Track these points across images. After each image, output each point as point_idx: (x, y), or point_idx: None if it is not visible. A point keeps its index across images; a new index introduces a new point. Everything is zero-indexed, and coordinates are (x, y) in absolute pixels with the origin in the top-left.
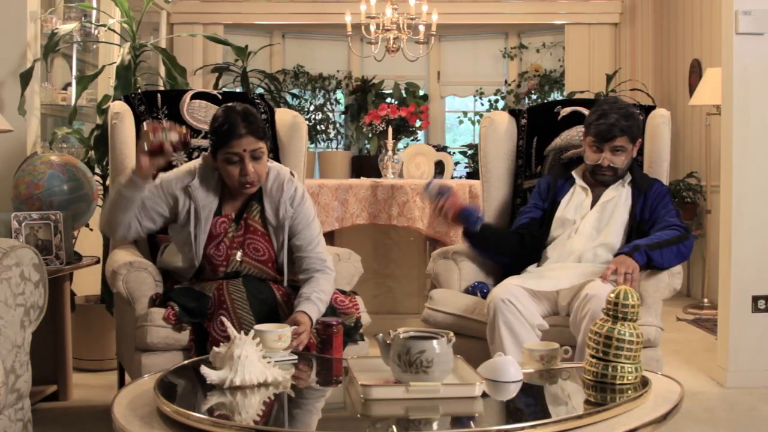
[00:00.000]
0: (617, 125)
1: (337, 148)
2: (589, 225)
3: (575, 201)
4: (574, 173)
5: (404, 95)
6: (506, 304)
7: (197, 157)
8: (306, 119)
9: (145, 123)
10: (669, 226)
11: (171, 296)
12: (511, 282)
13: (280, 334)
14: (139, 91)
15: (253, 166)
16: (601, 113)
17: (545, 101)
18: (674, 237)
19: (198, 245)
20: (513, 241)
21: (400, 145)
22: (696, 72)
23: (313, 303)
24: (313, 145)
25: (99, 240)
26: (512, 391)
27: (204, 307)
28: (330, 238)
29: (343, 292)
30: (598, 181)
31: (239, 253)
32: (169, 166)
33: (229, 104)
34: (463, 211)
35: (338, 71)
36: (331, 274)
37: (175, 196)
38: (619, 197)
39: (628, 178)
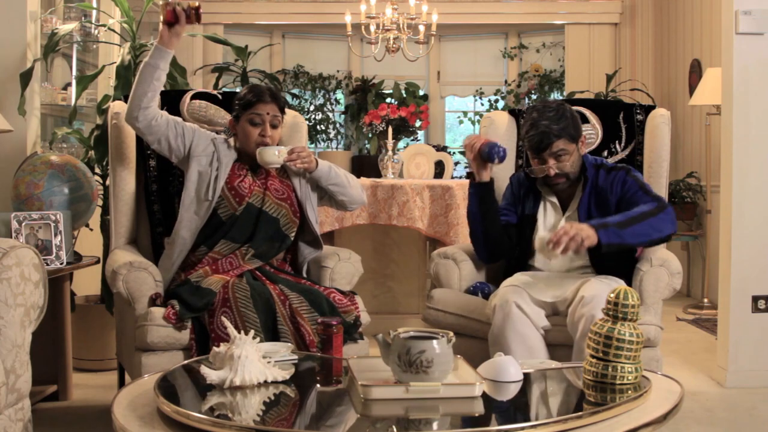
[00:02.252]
0: (548, 131)
1: (337, 148)
2: None
3: (549, 221)
4: (539, 187)
5: (404, 95)
6: (513, 308)
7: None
8: (306, 119)
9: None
10: (643, 200)
11: (178, 292)
12: (514, 284)
13: (279, 149)
14: None
15: (271, 131)
16: (531, 123)
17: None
18: (648, 211)
19: (218, 183)
20: (501, 231)
21: (400, 145)
22: (696, 72)
23: (327, 164)
24: (313, 145)
25: (99, 240)
26: (512, 391)
27: (208, 303)
28: (330, 238)
29: (342, 292)
30: (555, 190)
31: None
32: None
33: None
34: (488, 144)
35: (338, 71)
36: (359, 184)
37: (200, 138)
38: (581, 207)
39: (584, 182)
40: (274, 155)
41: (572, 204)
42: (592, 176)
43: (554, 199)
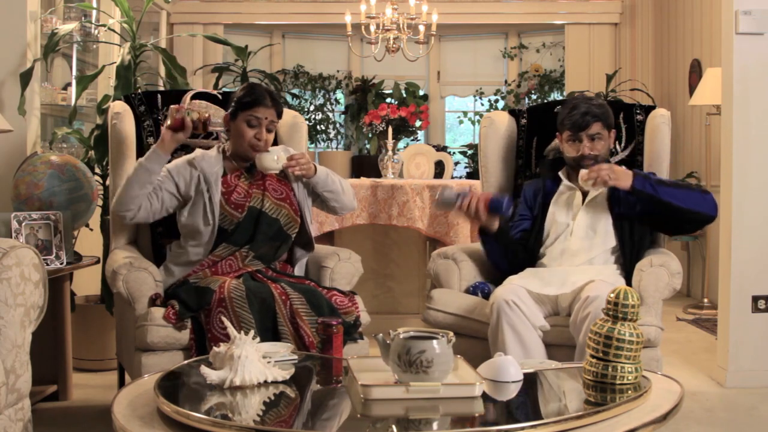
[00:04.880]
0: (590, 113)
1: (337, 148)
2: (584, 224)
3: (566, 202)
4: (561, 174)
5: (404, 95)
6: (510, 305)
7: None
8: (306, 119)
9: (171, 106)
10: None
11: (176, 292)
12: (514, 283)
13: (277, 155)
14: (139, 91)
15: (267, 135)
16: (572, 107)
17: (545, 101)
18: (691, 185)
19: (214, 205)
20: (519, 249)
21: (400, 145)
22: (696, 72)
23: (325, 170)
24: (313, 145)
25: (99, 240)
26: (512, 391)
27: (206, 302)
28: (330, 238)
29: (342, 293)
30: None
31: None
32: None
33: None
34: (493, 200)
35: (338, 71)
36: (352, 191)
37: (182, 174)
38: (605, 192)
39: None
40: (273, 161)
41: (591, 192)
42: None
43: (571, 184)
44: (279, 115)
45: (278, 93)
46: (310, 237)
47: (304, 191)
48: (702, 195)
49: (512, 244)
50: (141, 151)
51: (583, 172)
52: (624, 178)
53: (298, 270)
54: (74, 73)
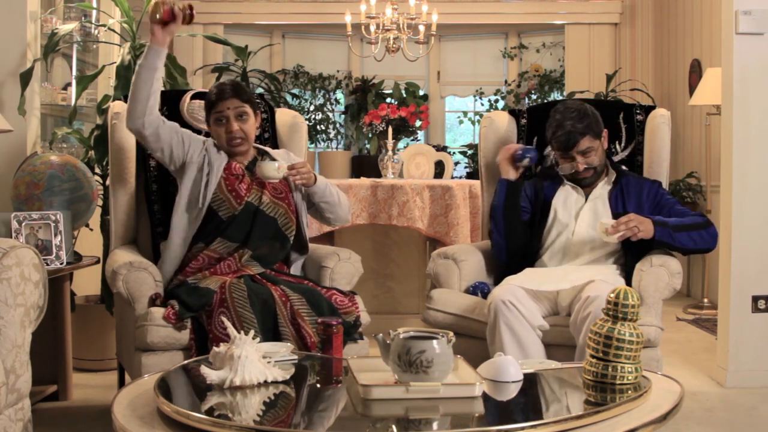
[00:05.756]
0: (574, 131)
1: (337, 148)
2: (585, 223)
3: (568, 201)
4: (562, 174)
5: (404, 95)
6: (507, 305)
7: None
8: (306, 119)
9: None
10: (686, 214)
11: (176, 293)
12: (512, 282)
13: (279, 164)
14: None
15: (238, 125)
16: (556, 125)
17: (545, 101)
18: (699, 224)
19: (209, 189)
20: (523, 226)
21: (400, 145)
22: (696, 72)
23: (325, 181)
24: (313, 145)
25: (99, 240)
26: (512, 391)
27: (206, 302)
28: (330, 238)
29: (342, 293)
30: (583, 185)
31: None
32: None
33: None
34: (516, 153)
35: (338, 71)
36: (348, 203)
37: (195, 144)
38: (607, 191)
39: (613, 175)
40: (274, 170)
41: (593, 192)
42: (624, 176)
43: (573, 183)
44: (248, 102)
45: (246, 84)
46: (306, 240)
47: (301, 198)
48: (708, 232)
49: (518, 212)
50: (141, 151)
51: (603, 224)
52: (648, 228)
53: (294, 270)
54: (74, 73)
